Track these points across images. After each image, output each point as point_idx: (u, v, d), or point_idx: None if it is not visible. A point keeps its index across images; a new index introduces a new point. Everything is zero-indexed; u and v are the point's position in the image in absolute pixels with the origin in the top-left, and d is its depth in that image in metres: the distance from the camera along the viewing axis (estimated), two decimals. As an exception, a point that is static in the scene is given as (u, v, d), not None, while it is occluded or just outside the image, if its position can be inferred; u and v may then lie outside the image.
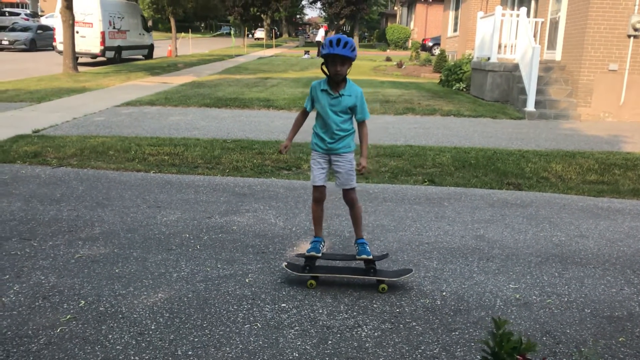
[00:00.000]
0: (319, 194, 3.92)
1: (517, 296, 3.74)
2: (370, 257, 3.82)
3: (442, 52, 22.39)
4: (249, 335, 3.13)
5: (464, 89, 15.76)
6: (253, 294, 3.63)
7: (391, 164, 7.33)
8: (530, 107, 11.68)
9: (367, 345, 3.08)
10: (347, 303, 3.55)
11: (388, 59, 30.53)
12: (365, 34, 71.41)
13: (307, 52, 34.85)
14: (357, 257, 3.85)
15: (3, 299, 3.43)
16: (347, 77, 3.74)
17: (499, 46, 13.66)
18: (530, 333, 3.26)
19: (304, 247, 4.43)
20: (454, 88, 16.16)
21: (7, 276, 3.75)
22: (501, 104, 13.12)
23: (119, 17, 25.84)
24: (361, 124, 3.85)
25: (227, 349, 2.99)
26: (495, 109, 12.38)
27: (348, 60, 3.62)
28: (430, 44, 37.78)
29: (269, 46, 47.54)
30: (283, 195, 5.86)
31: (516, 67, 12.87)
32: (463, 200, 5.89)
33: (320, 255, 3.85)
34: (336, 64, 3.59)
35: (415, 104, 12.95)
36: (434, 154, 7.86)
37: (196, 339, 3.07)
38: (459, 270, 4.11)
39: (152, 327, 3.17)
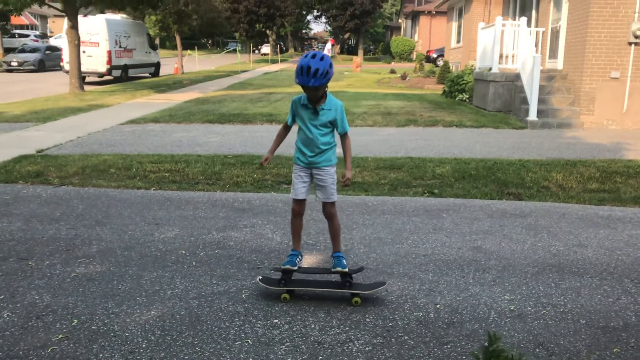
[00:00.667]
0: (298, 207, 3.98)
1: (512, 307, 3.71)
2: (346, 269, 3.83)
3: (446, 63, 22.44)
4: (239, 352, 3.12)
5: (467, 100, 15.77)
6: (246, 310, 3.63)
7: (391, 176, 7.33)
8: (532, 116, 11.66)
9: (357, 360, 3.06)
10: (339, 318, 3.54)
11: (392, 71, 30.64)
12: (370, 46, 71.74)
13: (312, 66, 35.03)
14: (332, 269, 3.86)
15: (-3, 319, 3.45)
16: (328, 91, 3.77)
17: (500, 56, 13.68)
18: (524, 345, 3.23)
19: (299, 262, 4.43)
20: (457, 99, 16.18)
21: (2, 296, 3.78)
22: (504, 114, 13.11)
23: (125, 36, 26.15)
24: (343, 136, 3.89)
25: (217, 366, 2.99)
26: (498, 119, 12.37)
27: (323, 86, 3.63)
28: (435, 55, 37.89)
29: (274, 61, 47.85)
30: (281, 210, 5.87)
31: (518, 76, 12.87)
32: (462, 212, 5.87)
33: (296, 268, 3.87)
34: (310, 91, 3.64)
35: (417, 115, 12.97)
36: (434, 166, 7.85)
37: (186, 357, 3.06)
38: (454, 282, 4.09)
39: (143, 346, 3.18)
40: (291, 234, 4.10)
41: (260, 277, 3.95)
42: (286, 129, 4.03)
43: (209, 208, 5.91)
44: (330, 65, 3.61)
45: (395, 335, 3.33)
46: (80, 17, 20.76)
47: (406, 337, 3.30)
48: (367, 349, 3.17)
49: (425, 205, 6.12)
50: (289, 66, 42.65)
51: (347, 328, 3.41)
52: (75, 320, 3.45)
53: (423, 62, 33.29)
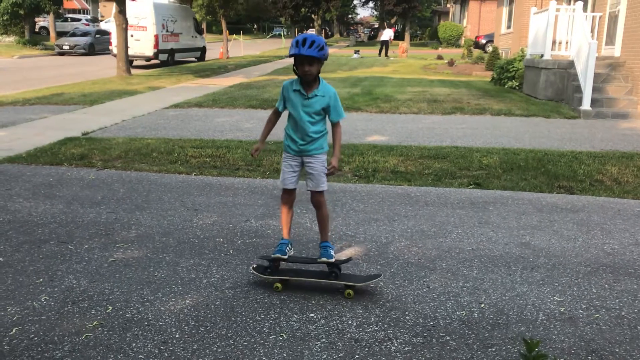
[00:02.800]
0: (288, 196, 3.88)
1: (562, 310, 3.50)
2: (331, 260, 3.71)
3: (495, 49, 21.78)
4: (273, 346, 3.03)
5: (517, 88, 15.25)
6: (281, 302, 3.53)
7: (435, 165, 7.11)
8: (585, 105, 11.16)
9: (396, 360, 2.92)
10: (377, 314, 3.40)
11: (439, 57, 30.00)
12: (418, 32, 70.50)
13: (357, 52, 34.67)
14: (318, 260, 3.74)
15: (34, 303, 3.45)
16: (321, 76, 3.65)
17: (553, 42, 13.13)
18: (574, 352, 3.02)
19: (338, 253, 4.31)
20: (506, 86, 15.67)
21: (41, 279, 3.79)
22: (555, 102, 12.60)
23: (172, 21, 26.37)
24: (335, 124, 3.74)
25: (250, 360, 2.90)
26: (549, 108, 11.90)
27: (316, 60, 3.50)
28: (484, 41, 36.90)
29: (319, 46, 47.55)
30: (321, 199, 5.74)
31: (571, 64, 12.33)
32: (509, 205, 5.62)
33: (285, 257, 3.77)
34: (304, 64, 3.50)
35: (464, 103, 12.60)
36: (481, 156, 7.57)
37: (219, 350, 2.99)
38: (500, 281, 3.89)
39: (177, 336, 3.11)
40: (281, 224, 3.98)
41: (254, 266, 3.89)
42: (276, 114, 3.90)
43: (248, 195, 5.84)
44: (325, 44, 3.49)
45: (436, 335, 3.18)
46: (128, 1, 21.02)
47: (448, 338, 3.14)
48: (406, 349, 3.03)
49: (471, 197, 5.89)
50: (333, 51, 42.30)
51: (385, 325, 3.27)
52: (110, 307, 3.42)
53: (471, 48, 32.49)
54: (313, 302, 3.54)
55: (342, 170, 6.88)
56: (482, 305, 3.53)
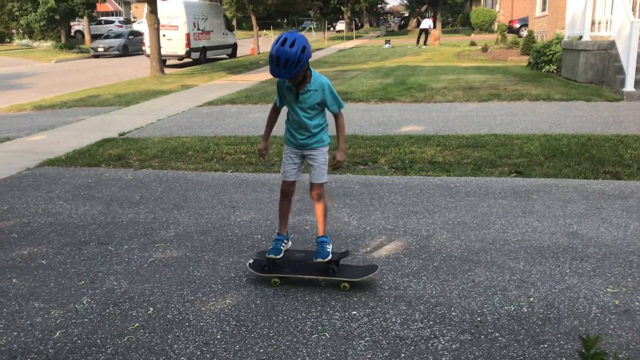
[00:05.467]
0: (287, 188, 3.79)
1: (617, 302, 3.33)
2: (327, 258, 3.60)
3: (530, 33, 21.21)
4: (316, 346, 2.96)
5: (555, 71, 14.81)
6: (322, 300, 3.46)
7: (474, 154, 6.92)
8: (629, 87, 10.74)
9: (443, 359, 2.82)
10: (422, 311, 3.30)
11: (472, 44, 29.44)
12: (449, 19, 69.42)
13: (387, 42, 34.30)
14: (314, 259, 3.64)
15: (77, 305, 3.46)
16: (312, 69, 3.52)
17: (592, 23, 12.69)
18: (633, 347, 2.87)
19: (378, 248, 4.22)
20: (543, 70, 15.24)
21: (83, 282, 3.80)
22: (596, 85, 12.19)
23: (202, 19, 26.52)
24: (336, 115, 3.63)
25: (293, 361, 2.84)
26: (590, 90, 11.51)
27: (295, 75, 3.35)
28: (518, 25, 36.03)
29: (349, 38, 47.28)
30: (358, 192, 5.66)
31: (612, 44, 11.89)
32: (554, 193, 5.43)
33: (279, 257, 3.69)
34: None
35: (500, 89, 12.30)
36: (522, 143, 7.35)
37: (261, 350, 2.93)
38: (548, 272, 3.74)
39: (218, 337, 3.08)
40: (278, 218, 3.90)
41: (251, 261, 3.84)
42: (275, 111, 3.81)
43: (285, 190, 5.77)
44: (304, 49, 3.27)
45: (484, 331, 3.06)
46: (159, 1, 21.21)
47: (497, 334, 3.02)
48: (453, 346, 2.92)
49: (513, 186, 5.71)
50: (364, 42, 42.01)
51: (430, 322, 3.16)
52: (151, 309, 3.40)
53: (505, 32, 31.77)
54: (355, 299, 3.46)
55: (377, 162, 6.78)
56: (531, 299, 3.39)
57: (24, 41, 39.62)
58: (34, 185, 6.22)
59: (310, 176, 3.73)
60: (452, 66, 18.41)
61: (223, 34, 29.10)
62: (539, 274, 3.72)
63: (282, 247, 3.74)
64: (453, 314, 3.25)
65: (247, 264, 3.87)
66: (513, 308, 3.29)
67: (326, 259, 3.60)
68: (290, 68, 3.25)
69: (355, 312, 3.30)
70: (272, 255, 3.68)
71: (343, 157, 3.68)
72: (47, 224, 4.99)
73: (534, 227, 4.56)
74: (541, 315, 3.20)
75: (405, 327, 3.12)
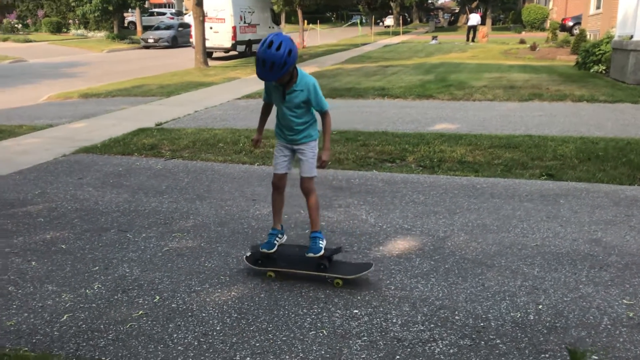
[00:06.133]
0: (277, 180, 3.82)
1: (631, 314, 3.20)
2: (318, 254, 3.60)
3: (582, 31, 20.54)
4: (312, 343, 2.95)
5: (603, 72, 14.30)
6: (327, 296, 3.45)
7: (505, 155, 6.76)
8: (680, 89, 10.29)
9: (438, 363, 2.77)
10: (425, 313, 3.25)
11: (521, 42, 28.71)
12: (501, 15, 67.87)
13: (434, 38, 33.83)
14: (306, 254, 3.63)
15: (87, 291, 3.56)
16: (299, 69, 3.54)
17: (645, 22, 12.18)
18: (640, 362, 2.75)
19: (391, 247, 4.17)
20: (591, 71, 14.73)
21: (97, 267, 3.90)
22: (646, 87, 11.71)
23: (249, 12, 26.77)
24: (322, 114, 3.62)
25: (287, 356, 2.84)
26: (638, 92, 11.06)
27: (281, 77, 3.37)
28: (571, 23, 34.97)
29: (396, 33, 46.85)
30: (380, 190, 5.61)
31: (665, 44, 11.40)
32: (583, 198, 5.25)
33: (272, 251, 3.72)
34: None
35: (543, 89, 11.96)
36: (556, 145, 7.13)
37: (257, 344, 2.95)
38: (562, 280, 3.62)
39: (217, 328, 3.11)
40: (272, 211, 3.92)
41: (248, 254, 3.88)
42: (266, 106, 3.85)
43: (307, 185, 5.78)
44: (290, 52, 3.27)
45: (486, 337, 2.99)
46: (207, -6, 21.49)
47: (498, 341, 2.95)
48: (451, 351, 2.87)
49: (542, 189, 5.55)
50: (411, 38, 41.56)
51: (432, 325, 3.11)
52: (157, 297, 3.47)
53: (557, 30, 30.84)
54: (359, 297, 3.44)
55: (405, 160, 6.70)
56: (540, 307, 3.29)
57: (79, 31, 40.90)
58: (67, 172, 6.42)
59: (300, 170, 3.77)
60: (497, 64, 18.01)
61: (269, 27, 29.27)
62: (552, 281, 3.61)
63: (275, 242, 3.78)
64: (456, 317, 3.19)
65: (244, 257, 3.91)
66: (519, 315, 3.21)
67: (317, 255, 3.62)
68: (276, 71, 3.28)
69: (357, 311, 3.28)
70: (265, 250, 3.73)
71: (328, 156, 3.70)
72: (73, 209, 5.14)
73: (555, 232, 4.43)
74: (547, 324, 3.11)
75: (405, 328, 3.08)
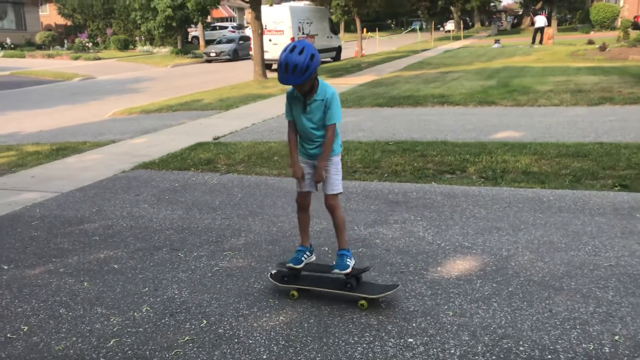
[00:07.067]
0: (301, 199, 3.72)
1: None
2: (346, 271, 3.45)
3: (656, 29, 19.41)
4: (362, 375, 2.77)
5: (682, 71, 13.41)
6: (379, 323, 3.26)
7: (574, 165, 6.35)
8: None
9: (501, 402, 2.53)
10: (486, 343, 2.99)
11: (590, 42, 27.50)
12: (567, 16, 65.53)
13: (497, 41, 32.95)
14: (332, 271, 3.48)
15: (135, 314, 3.51)
16: (320, 79, 3.45)
17: None
18: None
19: (449, 268, 3.93)
20: (668, 70, 13.85)
21: (147, 289, 3.86)
22: None
23: (307, 23, 26.89)
24: (327, 128, 3.46)
25: (335, 390, 2.66)
26: None
27: (303, 82, 3.28)
28: (644, 20, 33.24)
29: (456, 38, 45.99)
30: (439, 204, 5.35)
31: None
32: (662, 211, 4.83)
33: (299, 267, 3.59)
34: (294, 86, 3.37)
35: (614, 92, 11.30)
36: (630, 153, 6.64)
37: (304, 375, 2.79)
38: (642, 306, 3.29)
39: (264, 357, 2.97)
40: (299, 230, 3.80)
41: (274, 271, 3.77)
42: (293, 126, 3.61)
43: (362, 200, 5.60)
44: (312, 57, 3.22)
45: (554, 372, 2.71)
46: (267, 7, 21.71)
47: (568, 377, 2.67)
48: (515, 388, 2.61)
49: (615, 201, 5.15)
50: (472, 42, 40.69)
51: (493, 357, 2.86)
52: (205, 321, 3.37)
53: (629, 29, 29.40)
54: (414, 324, 3.22)
55: (466, 171, 6.40)
56: (616, 337, 2.98)
57: (145, 47, 42.32)
58: (125, 188, 6.50)
59: (323, 187, 3.62)
60: (564, 67, 17.25)
61: (327, 37, 29.32)
62: (630, 307, 3.28)
63: (303, 258, 3.67)
64: (520, 348, 2.92)
65: (269, 274, 3.81)
66: (592, 347, 2.91)
67: (343, 272, 3.50)
68: (298, 74, 3.22)
69: (411, 340, 3.06)
70: (291, 264, 3.63)
71: (320, 177, 3.53)
72: (128, 227, 5.16)
73: (632, 251, 4.06)
74: (625, 358, 2.79)
75: (464, 360, 2.85)
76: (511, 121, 9.29)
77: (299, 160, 3.66)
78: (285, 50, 3.27)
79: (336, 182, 3.59)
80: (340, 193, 3.66)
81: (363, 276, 3.61)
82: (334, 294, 3.56)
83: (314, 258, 3.84)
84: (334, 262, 3.60)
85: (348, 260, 3.54)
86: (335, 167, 3.59)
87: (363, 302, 3.43)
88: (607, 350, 2.87)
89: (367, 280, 3.65)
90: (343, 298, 3.53)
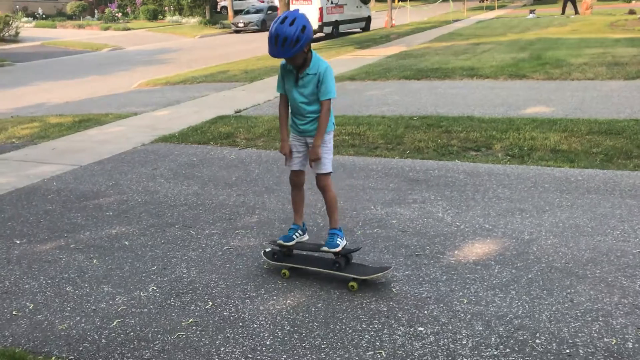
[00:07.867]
0: (294, 177, 3.65)
1: None
2: (335, 249, 3.36)
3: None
4: (367, 365, 2.65)
5: None
6: (389, 310, 3.12)
7: (606, 143, 6.05)
8: None
9: (512, 399, 2.38)
10: (501, 334, 2.84)
11: (631, 12, 26.40)
12: (608, -16, 63.01)
13: (532, 11, 31.84)
14: (321, 249, 3.41)
15: (142, 293, 3.45)
16: (314, 52, 3.33)
17: None
18: None
19: (467, 251, 3.77)
20: None
21: (155, 267, 3.79)
22: None
23: (336, -8, 26.37)
24: (321, 103, 3.31)
25: (338, 381, 2.56)
26: None
27: (294, 55, 3.15)
28: (689, -11, 31.70)
29: (490, 8, 44.68)
30: (462, 183, 5.16)
31: None
32: (699, 194, 4.56)
33: (289, 244, 3.58)
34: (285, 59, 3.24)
35: (654, 65, 10.78)
36: (668, 130, 6.31)
37: (307, 364, 2.69)
38: (671, 298, 3.08)
39: (267, 343, 2.87)
40: (292, 208, 3.72)
41: (267, 249, 3.71)
42: (285, 100, 3.51)
43: (381, 177, 5.43)
44: (304, 29, 3.08)
45: (571, 368, 2.56)
46: (294, -24, 21.32)
47: (586, 375, 2.51)
48: (528, 384, 2.47)
49: (648, 182, 4.89)
50: (506, 12, 39.45)
51: (507, 350, 2.71)
52: (210, 303, 3.29)
53: (672, -2, 28.07)
54: (425, 312, 3.08)
55: (491, 148, 6.16)
56: (641, 332, 2.79)
57: (174, 17, 42.19)
58: (143, 162, 6.44)
59: (312, 167, 3.51)
60: (601, 38, 16.55)
61: (357, 7, 28.74)
62: (658, 299, 3.08)
63: (295, 237, 3.61)
64: (537, 341, 2.76)
65: (262, 251, 3.76)
66: (615, 341, 2.73)
67: (333, 250, 3.42)
68: (288, 47, 3.10)
69: (422, 329, 2.93)
70: (281, 241, 3.59)
71: (316, 155, 3.40)
72: (142, 202, 5.10)
73: (664, 237, 3.83)
74: (650, 355, 2.62)
75: (476, 352, 2.70)
76: (542, 96, 8.93)
77: (290, 137, 3.56)
78: (276, 21, 3.14)
79: (326, 162, 3.48)
80: (331, 172, 3.54)
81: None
82: (325, 274, 3.49)
83: (306, 237, 3.77)
84: (325, 241, 3.53)
85: (339, 239, 3.46)
86: (326, 146, 3.47)
87: (353, 283, 3.34)
88: (630, 346, 2.69)
89: (357, 262, 3.55)
90: (333, 277, 3.45)
